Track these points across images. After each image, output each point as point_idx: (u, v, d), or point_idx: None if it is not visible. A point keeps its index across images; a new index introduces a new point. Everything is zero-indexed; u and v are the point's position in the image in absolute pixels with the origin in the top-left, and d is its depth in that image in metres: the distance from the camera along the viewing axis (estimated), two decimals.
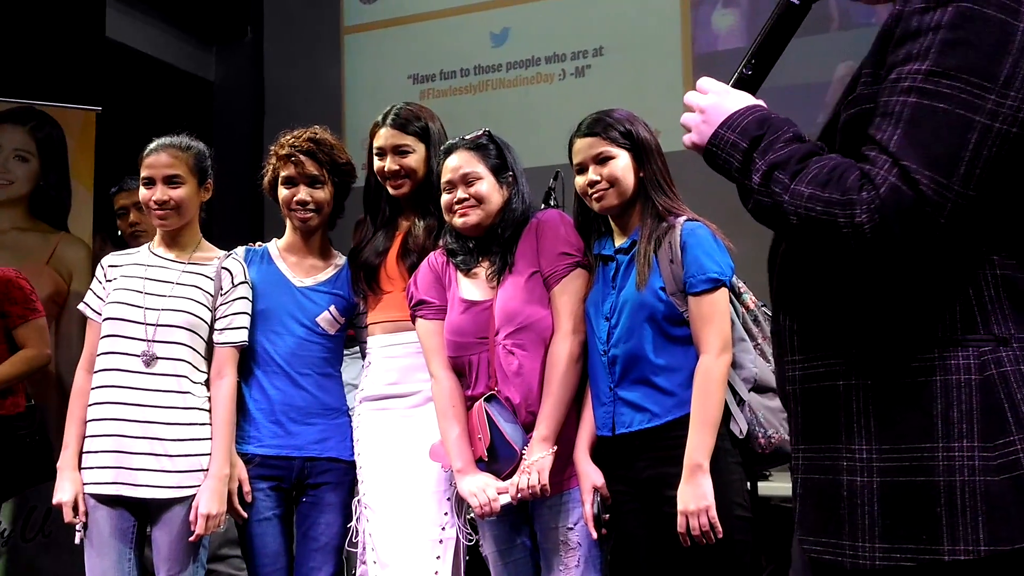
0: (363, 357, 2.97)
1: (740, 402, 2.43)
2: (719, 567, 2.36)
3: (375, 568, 2.67)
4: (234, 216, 5.64)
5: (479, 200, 2.61)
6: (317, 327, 2.89)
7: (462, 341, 2.61)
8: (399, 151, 2.84)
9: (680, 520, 2.33)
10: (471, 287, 2.66)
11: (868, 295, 1.42)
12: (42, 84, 4.89)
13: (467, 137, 2.69)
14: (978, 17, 1.32)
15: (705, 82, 1.57)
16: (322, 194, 2.91)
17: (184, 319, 2.78)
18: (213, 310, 2.83)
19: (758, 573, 2.47)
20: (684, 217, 2.50)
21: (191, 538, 2.69)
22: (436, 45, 6.21)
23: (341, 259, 3.00)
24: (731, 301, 2.47)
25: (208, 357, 2.83)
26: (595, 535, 2.47)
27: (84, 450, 2.74)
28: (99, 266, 2.92)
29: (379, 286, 2.86)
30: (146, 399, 2.72)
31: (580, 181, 2.56)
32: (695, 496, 2.32)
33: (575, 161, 2.58)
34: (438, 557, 2.62)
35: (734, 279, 2.49)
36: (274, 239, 3.05)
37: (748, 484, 2.47)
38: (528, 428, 2.53)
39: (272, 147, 2.97)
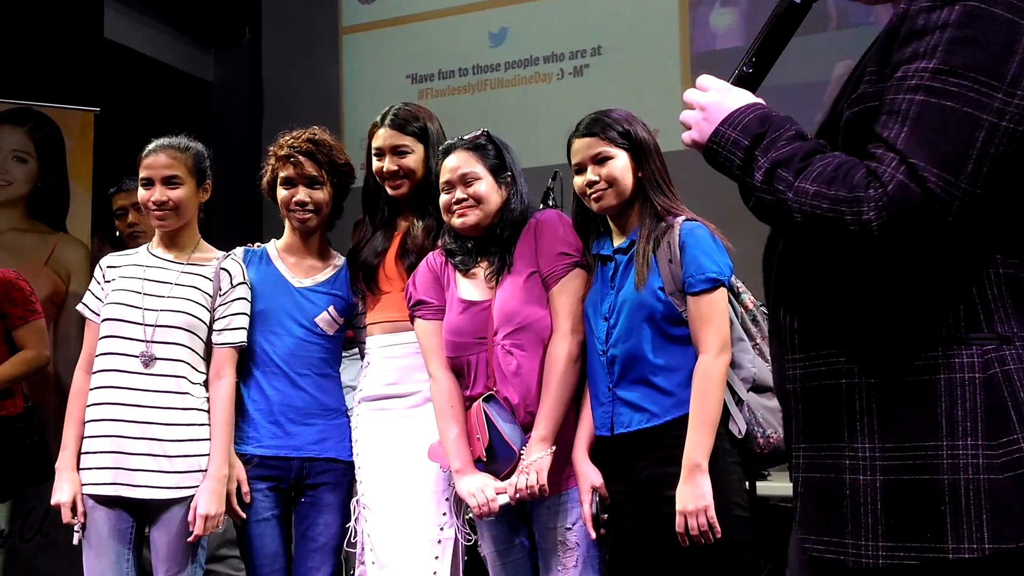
0: (362, 358, 2.97)
1: (739, 402, 2.43)
2: (718, 567, 2.36)
3: (374, 568, 2.67)
4: (233, 217, 5.64)
5: (477, 200, 2.61)
6: (316, 328, 2.89)
7: (461, 341, 2.61)
8: (398, 151, 2.84)
9: (679, 520, 2.33)
10: (469, 287, 2.66)
11: (871, 293, 1.42)
12: (40, 85, 4.88)
13: (466, 137, 2.69)
14: (986, 16, 1.32)
15: (705, 80, 1.57)
16: (321, 195, 2.91)
17: (183, 320, 2.78)
18: (212, 311, 2.83)
19: (756, 573, 2.47)
20: (683, 217, 2.50)
21: (189, 539, 2.68)
22: (434, 45, 6.20)
23: (340, 260, 3.00)
24: (730, 301, 2.47)
25: (207, 358, 2.83)
26: (594, 535, 2.47)
27: (82, 451, 2.74)
28: (97, 267, 2.92)
29: (378, 286, 2.86)
30: (145, 400, 2.72)
31: (578, 181, 2.56)
32: (694, 496, 2.31)
33: (573, 161, 2.58)
34: (436, 557, 2.62)
35: (733, 279, 2.49)
36: (273, 240, 3.04)
37: (747, 484, 2.47)
38: (527, 428, 2.53)
39: (271, 148, 2.97)
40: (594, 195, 2.52)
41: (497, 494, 2.50)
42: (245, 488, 2.78)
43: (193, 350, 2.79)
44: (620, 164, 2.51)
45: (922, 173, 1.28)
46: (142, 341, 2.74)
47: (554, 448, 2.48)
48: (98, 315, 2.83)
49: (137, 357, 2.74)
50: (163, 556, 2.72)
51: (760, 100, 1.53)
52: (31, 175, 4.60)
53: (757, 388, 2.45)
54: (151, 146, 2.87)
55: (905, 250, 1.33)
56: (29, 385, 3.95)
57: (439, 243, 2.76)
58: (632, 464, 2.46)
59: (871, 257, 1.34)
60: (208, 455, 2.74)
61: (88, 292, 2.89)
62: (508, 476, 2.51)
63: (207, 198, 2.95)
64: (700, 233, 2.45)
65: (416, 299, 2.70)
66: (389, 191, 2.87)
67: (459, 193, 2.62)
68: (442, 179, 2.66)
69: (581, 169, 2.55)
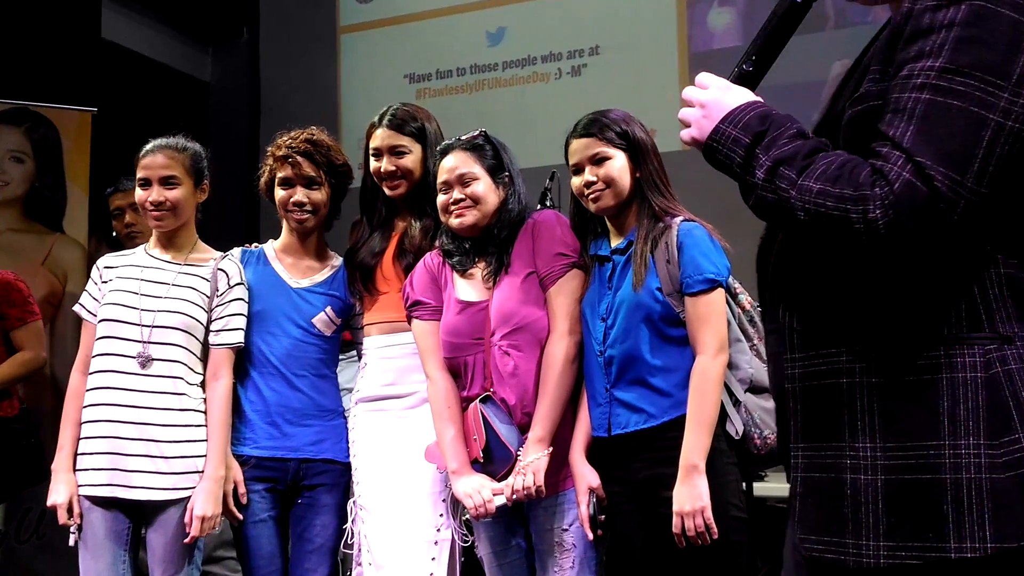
0: (359, 359, 2.97)
1: (736, 403, 2.43)
2: (715, 568, 2.35)
3: (370, 569, 2.67)
4: (230, 217, 5.64)
5: (475, 201, 2.61)
6: (313, 328, 2.89)
7: (458, 342, 2.61)
8: (395, 152, 2.84)
9: (675, 521, 2.33)
10: (467, 288, 2.65)
11: (873, 293, 1.42)
12: (37, 85, 4.87)
13: (463, 138, 2.69)
14: (992, 16, 1.33)
15: (705, 77, 1.56)
16: (319, 195, 2.91)
17: (180, 320, 2.78)
18: (209, 311, 2.83)
19: (753, 574, 2.47)
20: (681, 217, 2.49)
21: (186, 540, 2.68)
22: (432, 44, 6.20)
23: (337, 260, 3.00)
24: (727, 302, 2.47)
25: (204, 358, 2.83)
26: (591, 536, 2.46)
27: (79, 452, 2.74)
28: (94, 267, 2.92)
29: (375, 287, 2.86)
30: (141, 400, 2.71)
31: (576, 182, 2.55)
32: (691, 497, 2.31)
33: (571, 162, 2.57)
34: (433, 558, 2.62)
35: (730, 280, 2.49)
36: (270, 240, 3.04)
37: (744, 485, 2.47)
38: (524, 429, 2.52)
39: (269, 148, 2.96)
40: (592, 196, 2.52)
41: (494, 495, 2.50)
42: (242, 489, 2.78)
43: (190, 351, 2.79)
44: (618, 165, 2.51)
45: (929, 171, 1.28)
46: (139, 342, 2.74)
47: (551, 449, 2.48)
48: (95, 316, 2.82)
49: (134, 358, 2.73)
50: (159, 557, 2.71)
51: (759, 99, 1.52)
52: (28, 175, 4.59)
53: (754, 389, 2.45)
54: (148, 146, 2.87)
55: (910, 249, 1.33)
56: (25, 386, 3.95)
57: (437, 243, 2.75)
58: (629, 465, 2.45)
59: (876, 255, 1.34)
60: (205, 456, 2.73)
61: (85, 293, 2.89)
62: (505, 477, 2.51)
63: (205, 198, 2.94)
64: (698, 234, 2.45)
65: (413, 299, 2.70)
66: (387, 191, 2.87)
67: (457, 193, 2.62)
68: (440, 179, 2.66)
69: (579, 170, 2.55)
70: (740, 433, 2.40)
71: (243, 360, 2.87)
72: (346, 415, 2.92)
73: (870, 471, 1.38)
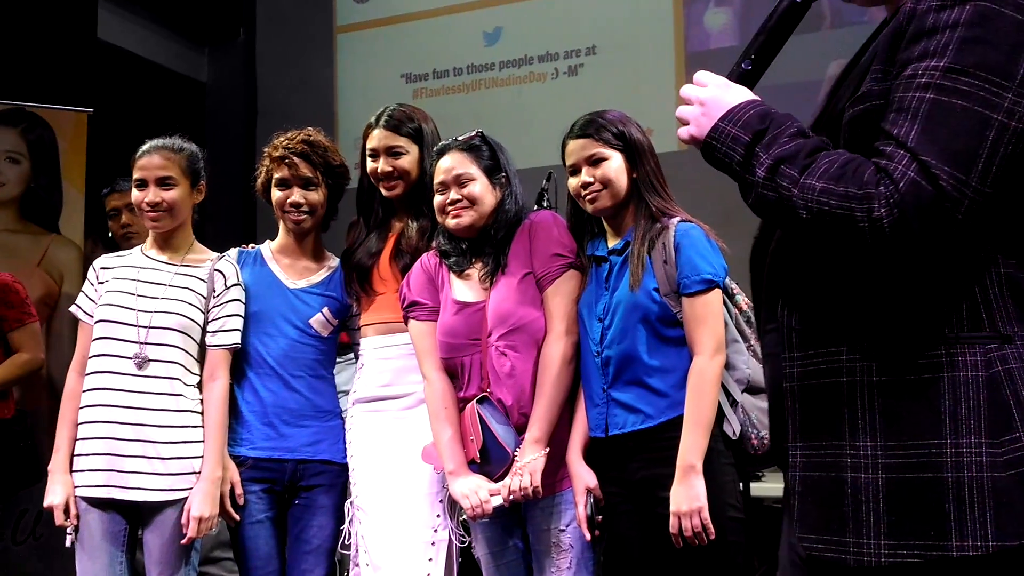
0: (355, 355, 2.97)
1: (733, 403, 2.43)
2: (712, 568, 2.35)
3: (368, 570, 2.67)
4: (226, 218, 5.63)
5: (472, 201, 2.61)
6: (310, 329, 2.88)
7: (455, 342, 2.61)
8: (392, 152, 2.83)
9: (672, 521, 2.32)
10: (464, 288, 2.65)
11: (874, 292, 1.42)
12: (33, 86, 4.87)
13: (460, 138, 2.69)
14: (996, 16, 1.33)
15: (703, 75, 1.56)
16: (316, 196, 2.90)
17: (176, 321, 2.77)
18: (206, 312, 2.82)
19: (751, 574, 2.47)
20: (678, 218, 2.49)
21: (183, 541, 2.68)
22: (429, 44, 6.20)
23: (334, 261, 3.00)
24: (724, 302, 2.47)
25: (201, 359, 2.82)
26: (588, 537, 2.46)
27: (75, 453, 2.73)
28: (91, 268, 2.92)
29: (372, 287, 2.85)
30: (138, 401, 2.71)
31: (573, 183, 2.55)
32: (688, 497, 2.31)
33: (568, 163, 2.57)
34: (430, 559, 2.62)
35: (727, 280, 2.49)
36: (267, 241, 3.04)
37: (741, 485, 2.47)
38: (520, 430, 2.52)
39: (265, 149, 2.96)
40: (589, 196, 2.52)
41: (491, 496, 2.49)
42: (239, 490, 2.78)
43: (187, 351, 2.79)
44: (615, 165, 2.51)
45: (934, 171, 1.29)
46: (136, 343, 2.74)
47: (547, 450, 2.47)
48: (91, 317, 2.82)
49: (131, 359, 2.73)
50: (156, 558, 2.71)
51: (758, 97, 1.52)
52: (24, 176, 4.59)
53: (751, 389, 2.45)
54: (145, 147, 2.87)
55: (915, 248, 1.33)
56: (21, 387, 3.95)
57: (433, 244, 2.75)
58: (626, 465, 2.45)
59: (880, 254, 1.34)
60: (202, 457, 2.73)
61: (81, 294, 2.89)
62: (502, 478, 2.51)
63: (201, 199, 2.94)
64: (695, 234, 2.45)
65: (410, 300, 2.70)
66: (384, 192, 2.87)
67: (453, 194, 2.61)
68: (436, 180, 2.66)
69: (576, 170, 2.54)
70: (737, 433, 2.40)
71: (240, 361, 2.86)
72: (343, 416, 2.91)
73: (871, 470, 1.38)
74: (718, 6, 5.57)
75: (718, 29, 5.57)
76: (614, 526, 2.49)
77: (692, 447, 2.33)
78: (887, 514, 1.36)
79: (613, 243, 2.56)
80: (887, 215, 1.30)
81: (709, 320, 2.39)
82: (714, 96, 1.52)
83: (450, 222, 2.63)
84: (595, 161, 2.51)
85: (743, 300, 2.53)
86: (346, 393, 2.96)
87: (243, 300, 2.87)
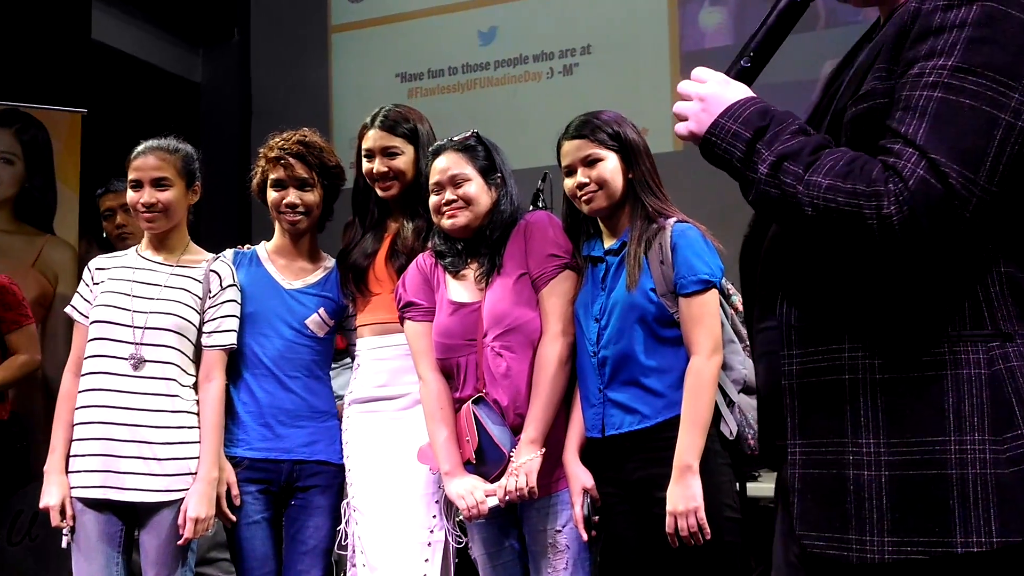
0: (351, 360, 2.96)
1: (730, 403, 2.43)
2: (709, 568, 2.36)
3: (364, 571, 2.67)
4: (222, 218, 5.62)
5: (467, 202, 2.61)
6: (306, 330, 2.88)
7: (450, 343, 2.60)
8: (387, 153, 2.83)
9: (669, 521, 2.33)
10: (459, 289, 2.65)
11: (876, 289, 1.42)
12: (27, 86, 4.86)
13: (455, 138, 2.68)
14: (1003, 17, 1.35)
15: (702, 72, 1.56)
16: (311, 197, 2.90)
17: (172, 322, 2.77)
18: (201, 313, 2.82)
19: (747, 574, 2.47)
20: (674, 218, 2.49)
21: (179, 542, 2.68)
22: (424, 44, 6.20)
23: (330, 261, 3.00)
24: (720, 303, 2.47)
25: (196, 360, 2.82)
26: (585, 537, 2.46)
27: (71, 453, 2.73)
28: (86, 269, 2.91)
29: (368, 288, 2.85)
30: (134, 402, 2.71)
31: (569, 183, 2.55)
32: (684, 497, 2.31)
33: (563, 163, 2.57)
34: (426, 560, 2.62)
35: (723, 281, 2.49)
36: (263, 241, 3.04)
37: (737, 485, 2.47)
38: (516, 430, 2.52)
39: (261, 149, 2.96)
40: (584, 197, 2.52)
41: (487, 496, 2.49)
42: (235, 491, 2.78)
43: (183, 352, 2.78)
44: (610, 166, 2.51)
45: (943, 169, 1.29)
46: (131, 343, 2.73)
47: (543, 450, 2.47)
48: (87, 317, 2.81)
49: (126, 359, 2.73)
50: (152, 559, 2.71)
51: (756, 95, 1.52)
52: (18, 177, 4.59)
53: (748, 389, 2.45)
54: (140, 148, 2.86)
55: (923, 245, 1.33)
56: (17, 387, 3.95)
57: (429, 244, 2.75)
58: (623, 466, 2.45)
59: (888, 252, 1.35)
60: (198, 458, 2.73)
61: (76, 294, 2.88)
62: (498, 478, 2.50)
63: (196, 200, 2.94)
64: (692, 235, 2.45)
65: (406, 301, 2.69)
66: (379, 192, 2.87)
67: (449, 194, 2.61)
68: (432, 180, 2.66)
69: (571, 171, 2.54)
70: (734, 434, 2.40)
71: (236, 361, 2.86)
72: (339, 416, 2.91)
73: (874, 467, 1.39)
74: (713, 5, 5.58)
75: (713, 28, 5.58)
76: (611, 526, 2.49)
77: (689, 447, 2.33)
78: (890, 511, 1.37)
79: (609, 244, 2.56)
80: (897, 212, 1.30)
81: (706, 320, 2.39)
82: (714, 92, 1.52)
83: (445, 222, 2.63)
84: (591, 162, 2.51)
85: (739, 300, 2.53)
86: (341, 398, 2.96)
87: (239, 301, 2.86)
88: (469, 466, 2.55)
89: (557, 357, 2.52)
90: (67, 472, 2.72)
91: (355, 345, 2.92)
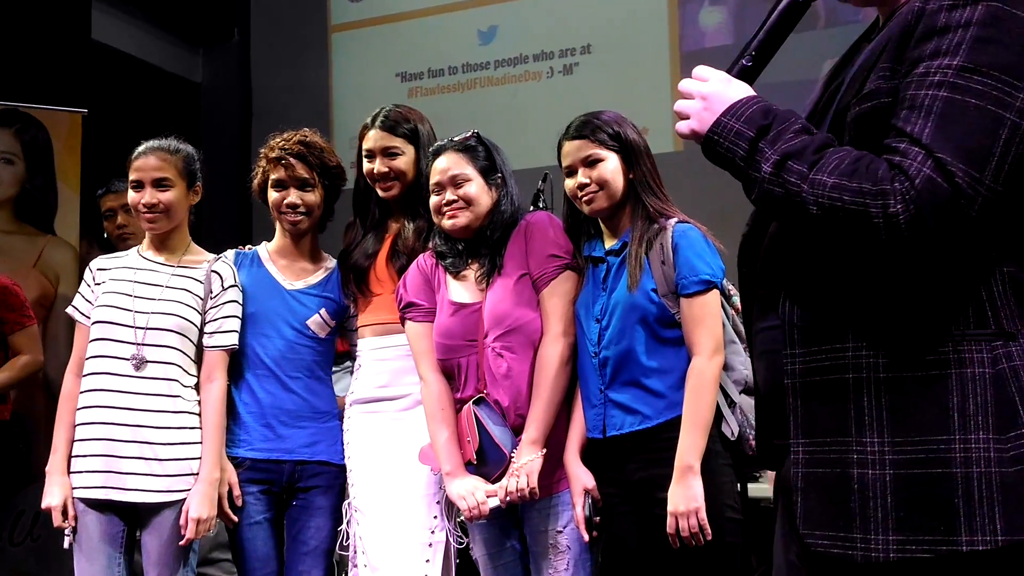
0: (352, 363, 2.96)
1: (731, 404, 2.43)
2: (710, 569, 2.36)
3: (365, 571, 2.67)
4: (222, 219, 5.62)
5: (468, 202, 2.61)
6: (307, 330, 2.88)
7: (451, 344, 2.60)
8: (388, 153, 2.83)
9: (670, 521, 2.33)
10: (460, 289, 2.65)
11: (880, 289, 1.42)
12: (28, 86, 4.86)
13: (456, 139, 2.68)
14: (1008, 17, 1.35)
15: (704, 70, 1.55)
16: (312, 197, 2.90)
17: (174, 322, 2.77)
18: (203, 313, 2.82)
19: (749, 575, 2.47)
20: (675, 219, 2.49)
21: (181, 542, 2.68)
22: (424, 43, 6.20)
23: (331, 262, 3.00)
24: (721, 303, 2.46)
25: (198, 361, 2.82)
26: (586, 538, 2.46)
27: (73, 454, 2.73)
28: (87, 269, 2.91)
29: (369, 288, 2.85)
30: (136, 403, 2.71)
31: (570, 184, 2.55)
32: (685, 497, 2.31)
33: (564, 164, 2.57)
34: (428, 560, 2.62)
35: (724, 281, 2.49)
36: (264, 242, 3.04)
37: (738, 486, 2.47)
38: (517, 431, 2.52)
39: (262, 149, 2.95)
40: (585, 198, 2.52)
41: (487, 497, 2.49)
42: (237, 491, 2.78)
43: (184, 353, 2.79)
44: (611, 166, 2.51)
45: (950, 168, 1.30)
46: (133, 344, 2.73)
47: (544, 451, 2.47)
48: (88, 318, 2.81)
49: (128, 360, 2.73)
50: (154, 560, 2.71)
51: (758, 94, 1.52)
52: (19, 177, 4.59)
53: (749, 390, 2.44)
54: (141, 148, 2.86)
55: (929, 244, 1.33)
56: (16, 389, 3.95)
57: (429, 245, 2.75)
58: (624, 466, 2.45)
59: (893, 251, 1.35)
60: (199, 458, 2.73)
61: (78, 295, 2.88)
62: (499, 479, 2.51)
63: (197, 200, 2.94)
64: (693, 235, 2.45)
65: (407, 301, 2.69)
66: (380, 193, 2.87)
67: (449, 195, 2.61)
68: (432, 180, 2.66)
69: (572, 172, 2.54)
70: (735, 434, 2.40)
71: (237, 362, 2.86)
72: (341, 417, 2.91)
73: (878, 466, 1.39)
74: (712, 5, 5.58)
75: (713, 28, 5.58)
76: (612, 527, 2.49)
77: (690, 448, 2.33)
78: (895, 509, 1.37)
79: (610, 244, 2.56)
80: (903, 211, 1.30)
81: (707, 321, 2.39)
82: (716, 91, 1.51)
83: (446, 223, 2.63)
84: (591, 162, 2.51)
85: (739, 301, 2.53)
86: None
87: (240, 301, 2.86)
88: (470, 467, 2.55)
89: (558, 358, 2.52)
90: (69, 472, 2.72)
91: (356, 346, 2.92)
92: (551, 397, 2.50)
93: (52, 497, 2.71)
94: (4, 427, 3.78)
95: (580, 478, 2.49)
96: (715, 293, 2.42)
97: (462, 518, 2.63)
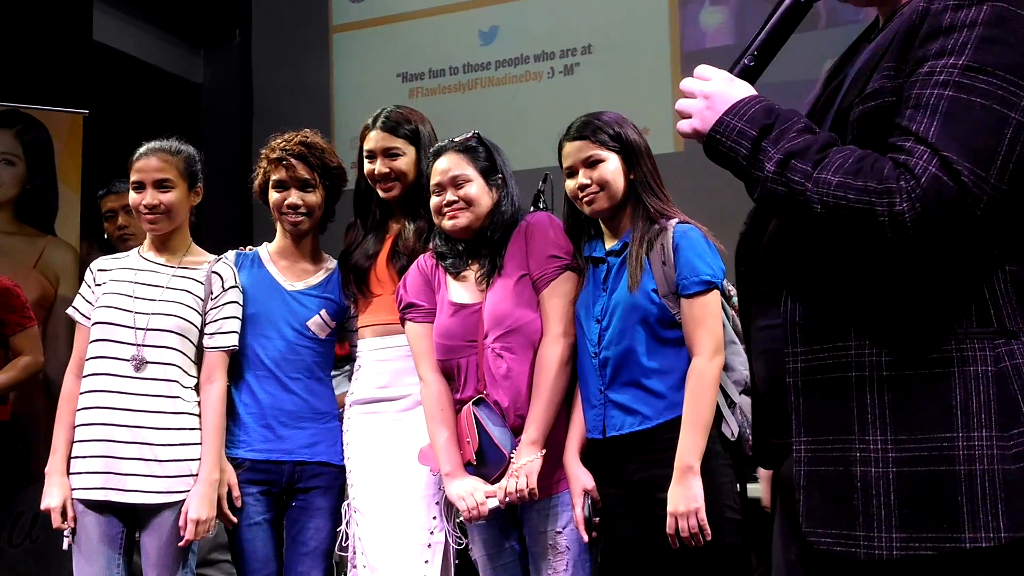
0: (351, 367, 2.96)
1: (731, 404, 2.43)
2: (709, 569, 2.36)
3: (365, 572, 2.67)
4: (223, 219, 5.62)
5: (468, 203, 2.61)
6: (307, 331, 2.88)
7: (451, 344, 2.60)
8: (389, 154, 2.83)
9: (669, 521, 2.32)
10: (460, 290, 2.65)
11: (883, 287, 1.42)
12: (29, 87, 4.87)
13: (456, 139, 2.68)
14: (1013, 18, 1.35)
15: (706, 69, 1.55)
16: (313, 198, 2.90)
17: (174, 323, 2.77)
18: (203, 314, 2.82)
19: (749, 574, 2.47)
20: (676, 219, 2.49)
21: (180, 543, 2.68)
22: (425, 43, 6.20)
23: (332, 263, 3.00)
24: (721, 304, 2.46)
25: (198, 362, 2.82)
26: (586, 538, 2.46)
27: (72, 455, 2.73)
28: (88, 270, 2.91)
29: (369, 289, 2.85)
30: (135, 404, 2.70)
31: (570, 184, 2.55)
32: (685, 498, 2.31)
33: (565, 165, 2.57)
34: (427, 561, 2.62)
35: (725, 282, 2.49)
36: (265, 243, 3.04)
37: (738, 486, 2.47)
38: (517, 432, 2.52)
39: (263, 150, 2.95)
40: (586, 198, 2.51)
41: (487, 497, 2.49)
42: (236, 492, 2.78)
43: (184, 354, 2.78)
44: (611, 167, 2.51)
45: (956, 166, 1.30)
46: (133, 345, 2.73)
47: (544, 451, 2.47)
48: (88, 319, 2.81)
49: (128, 361, 2.73)
50: (153, 561, 2.71)
51: (759, 94, 1.52)
52: (19, 178, 4.59)
53: (749, 390, 2.44)
54: (142, 149, 2.86)
55: (935, 243, 1.33)
56: (16, 389, 3.96)
57: (430, 245, 2.75)
58: (624, 467, 2.45)
59: (899, 250, 1.34)
60: (199, 459, 2.73)
61: (78, 296, 2.88)
62: (498, 479, 2.50)
63: (199, 201, 2.94)
64: (694, 235, 2.45)
65: (407, 302, 2.69)
66: (381, 194, 2.87)
67: (450, 195, 2.61)
68: (432, 181, 2.66)
69: (572, 172, 2.54)
70: (735, 435, 2.40)
71: (237, 363, 2.86)
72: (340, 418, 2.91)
73: (881, 463, 1.39)
74: (713, 5, 5.57)
75: (714, 28, 5.57)
76: (611, 528, 2.48)
77: (690, 448, 2.33)
78: (898, 507, 1.37)
79: (611, 244, 2.56)
80: (909, 210, 1.30)
81: (708, 321, 2.39)
82: (718, 90, 1.51)
83: (446, 223, 2.63)
84: (592, 163, 2.51)
85: None
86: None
87: (240, 302, 2.86)
88: (470, 467, 2.55)
89: (558, 358, 2.52)
90: (68, 473, 2.72)
91: (356, 346, 2.92)
92: (551, 398, 2.50)
93: (51, 498, 2.71)
94: (4, 428, 3.79)
95: (580, 479, 2.48)
96: (716, 294, 2.42)
97: (461, 519, 2.63)
